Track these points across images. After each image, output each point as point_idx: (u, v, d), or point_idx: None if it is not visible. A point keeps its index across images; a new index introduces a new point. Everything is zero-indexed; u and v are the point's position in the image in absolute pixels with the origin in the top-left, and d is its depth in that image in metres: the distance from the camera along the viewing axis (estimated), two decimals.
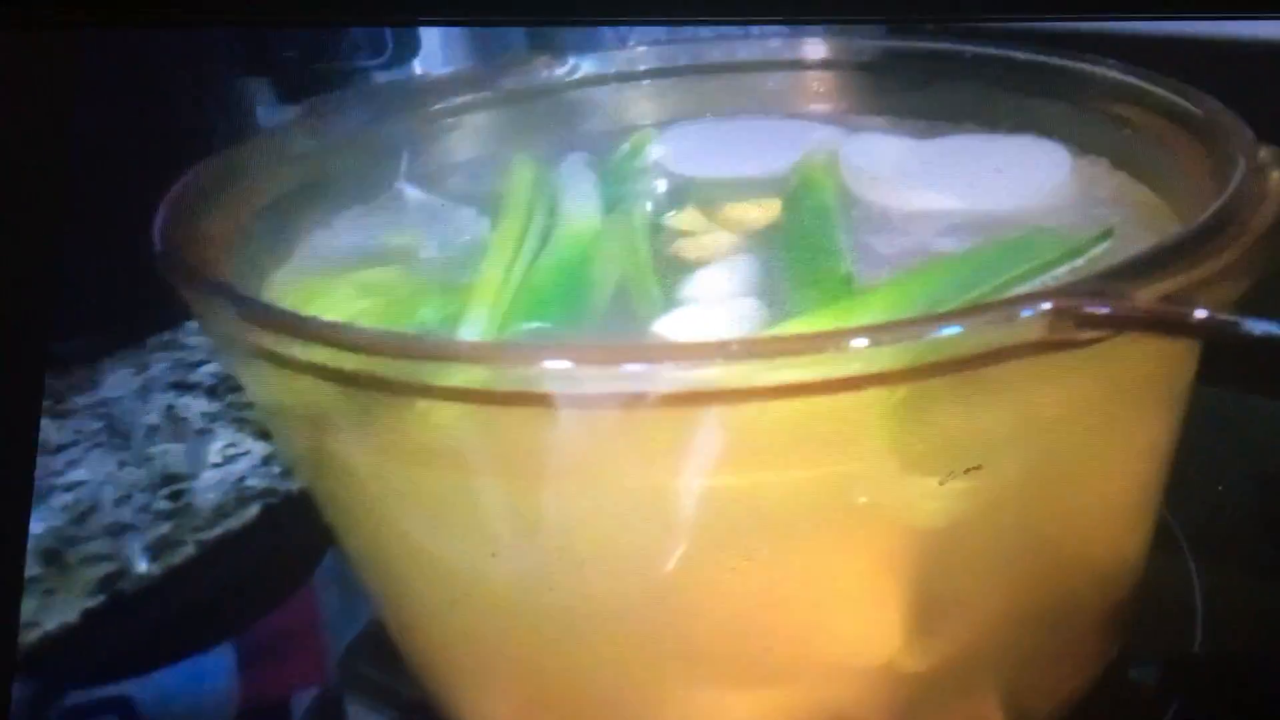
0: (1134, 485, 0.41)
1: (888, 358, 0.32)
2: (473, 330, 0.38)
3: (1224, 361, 0.38)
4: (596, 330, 0.40)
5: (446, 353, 0.33)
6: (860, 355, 0.31)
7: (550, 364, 0.31)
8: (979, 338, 0.32)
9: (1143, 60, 0.48)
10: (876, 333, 0.32)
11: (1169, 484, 0.43)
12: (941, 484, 0.35)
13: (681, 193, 0.49)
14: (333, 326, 0.33)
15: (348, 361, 0.32)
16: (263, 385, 0.39)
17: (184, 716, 0.50)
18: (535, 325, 0.39)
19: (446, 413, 0.34)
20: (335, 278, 0.42)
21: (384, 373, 0.32)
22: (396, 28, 0.67)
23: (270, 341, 0.33)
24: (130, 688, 0.49)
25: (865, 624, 0.37)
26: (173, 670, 0.51)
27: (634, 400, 0.32)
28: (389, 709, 0.49)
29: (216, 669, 0.52)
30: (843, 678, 0.38)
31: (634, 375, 0.32)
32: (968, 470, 0.35)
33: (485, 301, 0.40)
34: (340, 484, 0.39)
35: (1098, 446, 0.38)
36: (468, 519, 0.37)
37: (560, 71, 0.54)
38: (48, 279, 0.40)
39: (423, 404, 0.34)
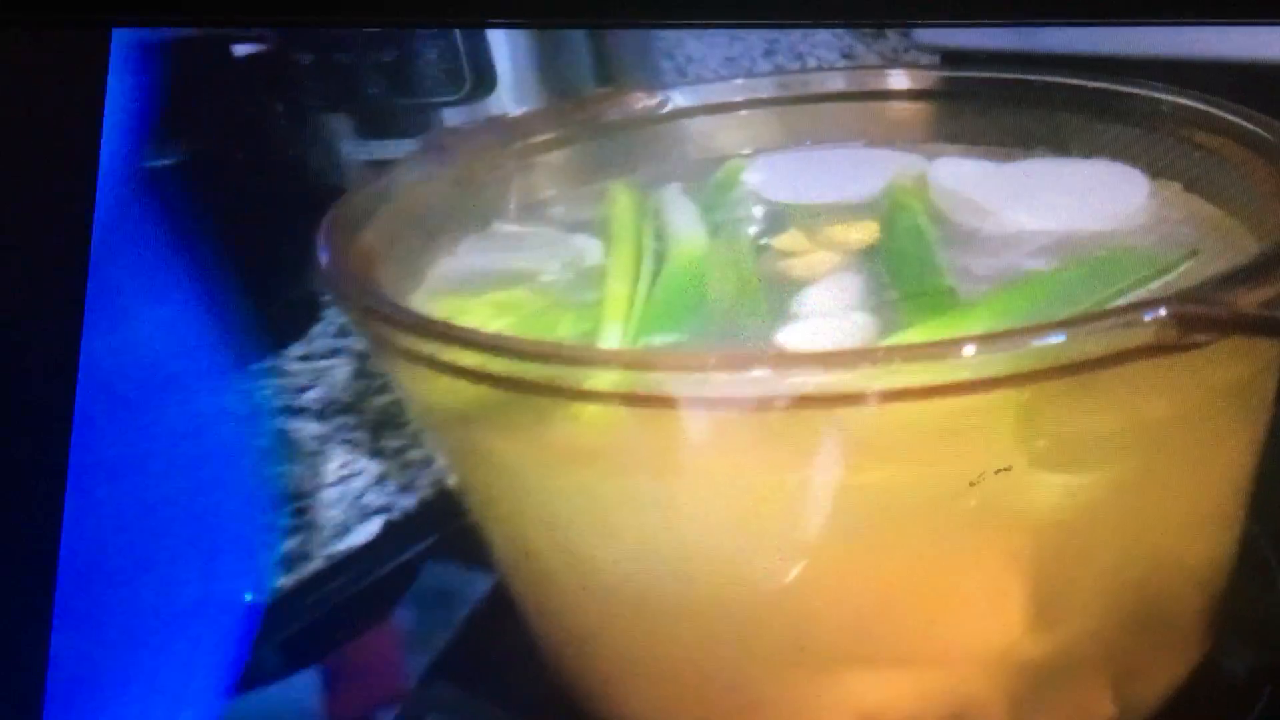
0: (1229, 485, 0.44)
1: (1017, 361, 0.34)
2: (610, 342, 0.41)
3: None
4: (720, 343, 0.42)
5: (600, 359, 0.37)
6: (994, 360, 0.34)
7: (715, 370, 0.34)
8: (1102, 341, 0.34)
9: (1188, 84, 0.50)
10: (1010, 338, 0.34)
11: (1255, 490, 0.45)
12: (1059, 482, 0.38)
13: (777, 218, 0.51)
14: (498, 336, 0.37)
15: (516, 368, 0.35)
16: (422, 389, 0.42)
17: None
18: (665, 338, 0.41)
19: (593, 414, 0.37)
20: (471, 298, 0.45)
21: (550, 378, 0.35)
22: (467, 41, 0.69)
23: (437, 350, 0.37)
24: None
25: (987, 613, 0.40)
26: (262, 689, 0.53)
27: (777, 403, 0.35)
28: None
29: (302, 688, 0.54)
30: (963, 665, 0.41)
31: (783, 380, 0.34)
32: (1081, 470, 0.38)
33: (618, 316, 0.42)
34: (491, 479, 0.43)
35: (1199, 447, 0.41)
36: (609, 514, 0.39)
37: (651, 104, 0.57)
38: (75, 289, 0.42)
39: (575, 407, 0.36)
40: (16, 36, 0.43)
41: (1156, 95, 0.51)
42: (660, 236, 0.48)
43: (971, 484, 0.37)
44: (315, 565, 0.55)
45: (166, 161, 0.66)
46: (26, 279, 0.42)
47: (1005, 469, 0.37)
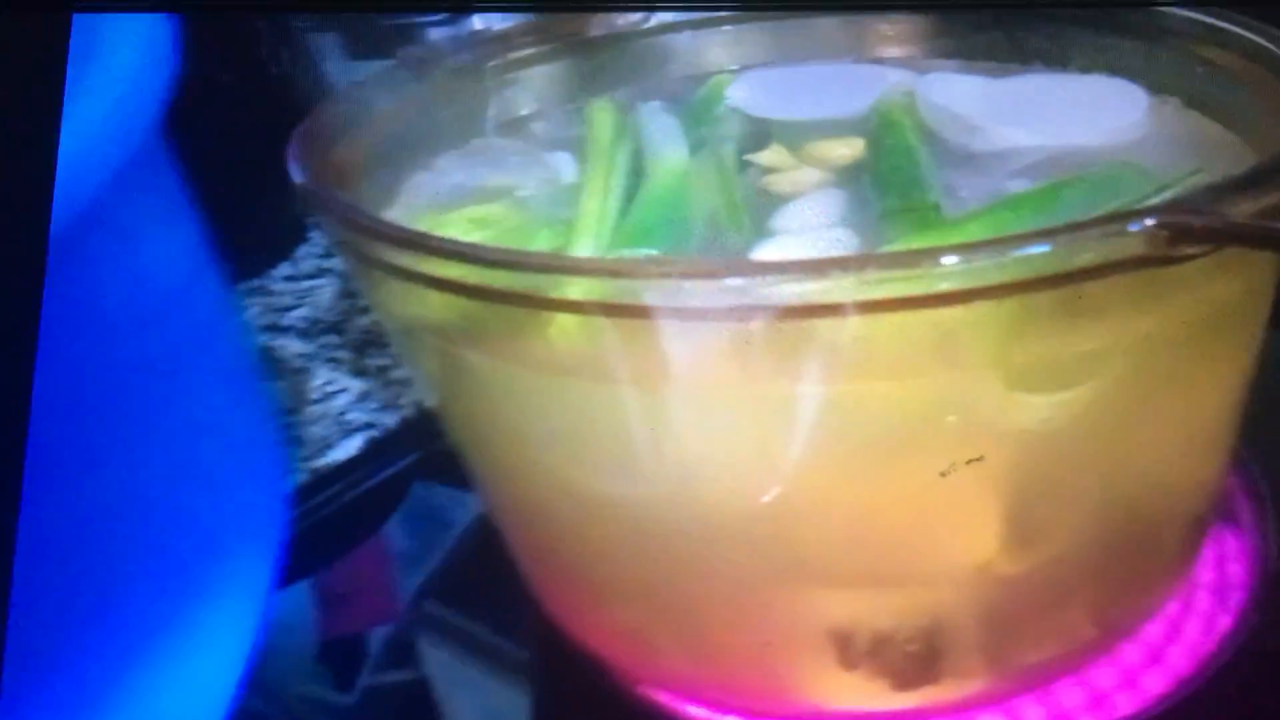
0: (1216, 407, 0.43)
1: (998, 272, 0.33)
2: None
3: None
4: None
5: (571, 267, 0.36)
6: (974, 271, 0.33)
7: (685, 277, 0.33)
8: (1087, 252, 0.33)
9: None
10: (993, 247, 0.33)
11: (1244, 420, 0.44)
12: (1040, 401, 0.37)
13: (762, 134, 0.50)
14: (469, 244, 0.36)
15: (489, 277, 0.34)
16: (398, 303, 0.41)
17: (265, 650, 0.51)
18: (643, 252, 0.40)
19: (568, 325, 0.36)
20: (447, 213, 0.44)
21: (523, 286, 0.34)
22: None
23: (411, 261, 0.36)
24: None
25: (965, 528, 0.39)
26: None
27: (755, 312, 0.34)
28: (460, 647, 0.51)
29: (296, 604, 0.54)
30: (942, 579, 0.40)
31: (758, 289, 0.33)
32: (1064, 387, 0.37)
33: (589, 231, 0.41)
34: (469, 397, 0.42)
35: (1186, 367, 0.40)
36: (586, 429, 0.39)
37: (635, 19, 0.55)
38: (36, 268, 0.41)
39: (549, 317, 0.35)
40: None
41: (1160, 9, 0.50)
42: (641, 153, 0.47)
43: (950, 397, 0.36)
44: (299, 479, 0.55)
45: None
46: None
47: (986, 383, 0.36)
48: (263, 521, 0.47)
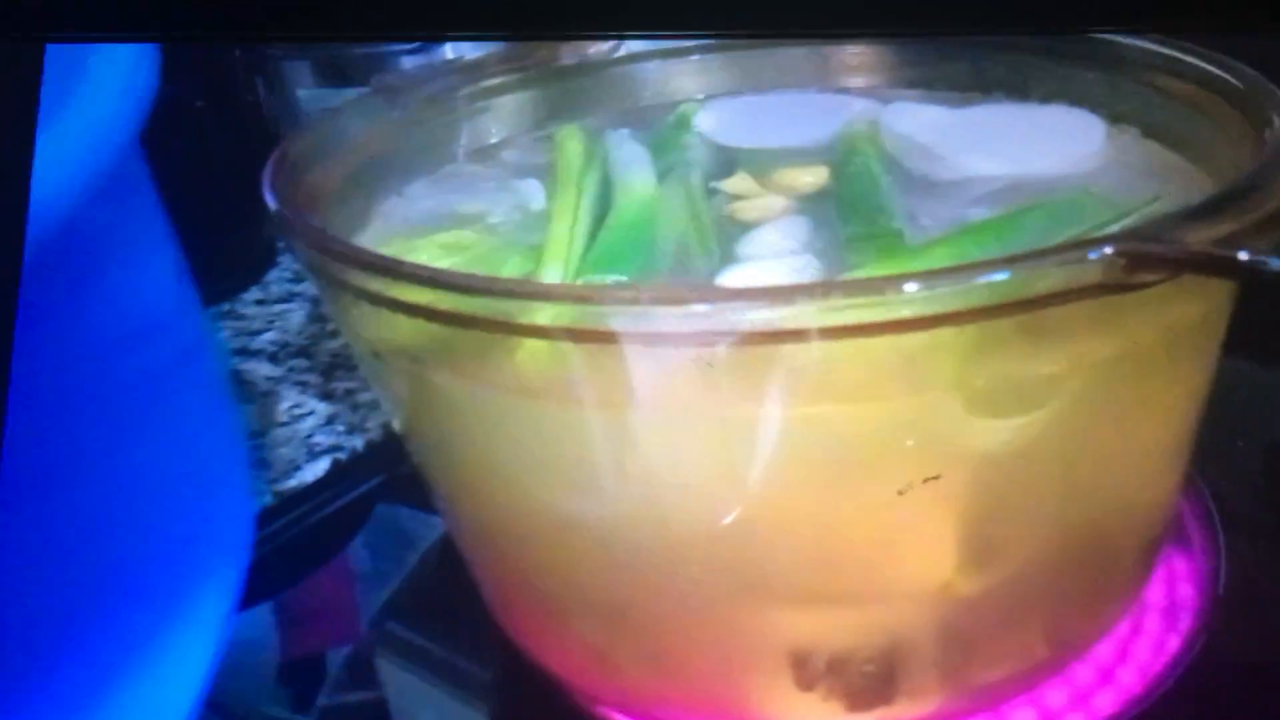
0: (1170, 431, 0.44)
1: (959, 298, 0.34)
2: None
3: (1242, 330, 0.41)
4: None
5: (539, 293, 0.36)
6: (935, 297, 0.34)
7: (651, 303, 0.34)
8: (1047, 279, 0.34)
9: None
10: (954, 274, 0.34)
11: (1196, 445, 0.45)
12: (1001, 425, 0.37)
13: (729, 161, 0.51)
14: (438, 270, 0.36)
15: (457, 302, 0.35)
16: (368, 327, 0.41)
17: (226, 671, 0.51)
18: (611, 278, 0.41)
19: (535, 350, 0.36)
20: (418, 238, 0.44)
21: (490, 311, 0.35)
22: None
23: (383, 286, 0.36)
24: None
25: (924, 550, 0.40)
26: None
27: (721, 337, 0.34)
28: (420, 668, 0.51)
29: (258, 624, 0.54)
30: (901, 599, 0.41)
31: (724, 314, 0.34)
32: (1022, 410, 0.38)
33: (558, 257, 0.42)
34: (436, 419, 0.42)
35: (1143, 390, 0.40)
36: (551, 451, 0.39)
37: (605, 48, 0.56)
38: (9, 292, 0.41)
39: (516, 342, 0.36)
40: None
41: (1121, 40, 0.50)
42: (610, 180, 0.48)
43: (911, 421, 0.36)
44: (265, 501, 0.55)
45: None
46: None
47: (946, 407, 0.36)
48: (227, 542, 0.47)
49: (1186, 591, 0.50)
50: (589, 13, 0.44)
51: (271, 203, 0.41)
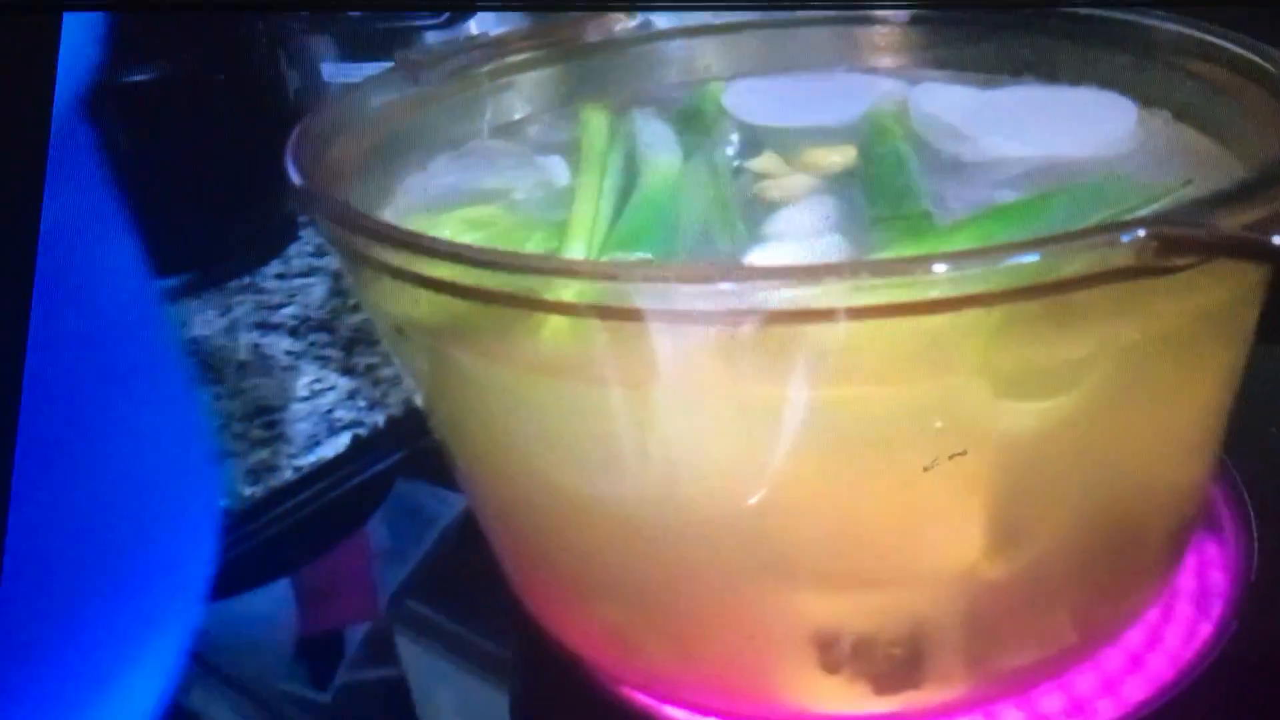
0: (1200, 416, 0.43)
1: (988, 280, 0.33)
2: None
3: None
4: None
5: (563, 269, 0.36)
6: (964, 278, 0.33)
7: (676, 281, 0.33)
8: (1077, 261, 0.33)
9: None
10: (983, 255, 0.33)
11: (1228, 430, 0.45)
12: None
13: (755, 141, 0.50)
14: (462, 246, 0.36)
15: (485, 279, 0.34)
16: (391, 302, 0.41)
17: (245, 647, 0.51)
18: (635, 255, 0.41)
19: (559, 327, 0.36)
20: (442, 213, 0.44)
21: (514, 288, 0.35)
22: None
23: (405, 261, 0.36)
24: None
25: (950, 533, 0.39)
26: (234, 600, 0.53)
27: (746, 317, 0.34)
28: (439, 646, 0.51)
29: (277, 601, 0.54)
30: (926, 583, 0.40)
31: (750, 293, 0.34)
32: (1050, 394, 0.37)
33: (581, 234, 0.42)
34: (458, 396, 0.42)
35: (1171, 375, 0.40)
36: (574, 429, 0.39)
37: (631, 25, 0.56)
38: (23, 269, 0.41)
39: (540, 319, 0.36)
40: None
41: (1150, 22, 0.50)
42: (634, 158, 0.47)
43: (938, 403, 0.36)
44: (285, 476, 0.55)
45: (145, 77, 0.66)
46: None
47: (974, 389, 0.36)
48: (192, 546, 0.47)
49: (1218, 578, 0.49)
50: None
51: (295, 177, 0.41)
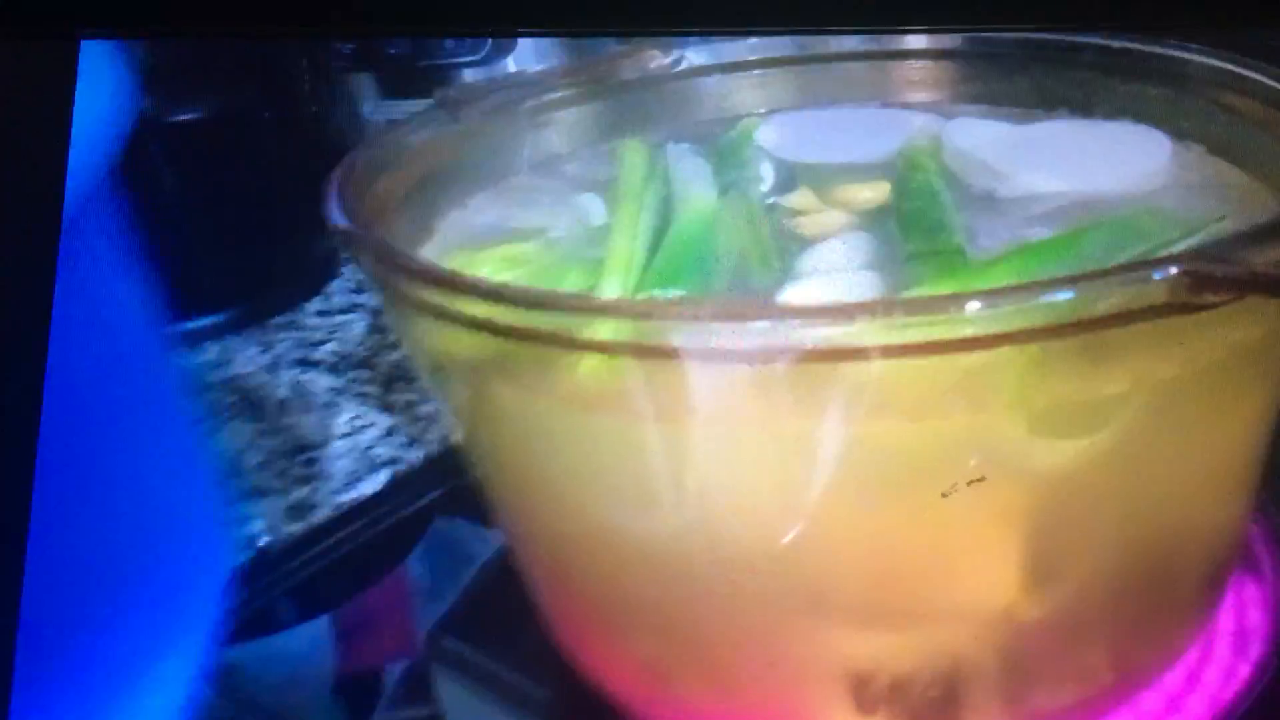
0: (1237, 452, 0.43)
1: (1022, 317, 0.34)
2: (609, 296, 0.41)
3: None
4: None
5: (598, 308, 0.37)
6: (998, 316, 0.33)
7: (712, 320, 0.34)
8: (1111, 298, 0.34)
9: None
10: (1017, 293, 0.33)
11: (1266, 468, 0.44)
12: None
13: (789, 177, 0.51)
14: (501, 285, 0.37)
15: (522, 318, 0.35)
16: (431, 339, 0.42)
17: (284, 685, 0.52)
18: (671, 292, 0.41)
19: (596, 365, 0.37)
20: (481, 251, 0.45)
21: (551, 326, 0.35)
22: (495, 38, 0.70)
23: (446, 299, 0.37)
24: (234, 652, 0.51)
25: (986, 571, 0.39)
26: (273, 638, 0.53)
27: (781, 354, 0.34)
28: (476, 684, 0.51)
29: (315, 638, 0.54)
30: (962, 622, 0.40)
31: (785, 331, 0.34)
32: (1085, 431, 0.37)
33: (617, 271, 0.42)
34: (497, 432, 0.43)
35: (1207, 411, 0.40)
36: (611, 466, 0.39)
37: (667, 62, 0.56)
38: (44, 291, 0.42)
39: (578, 357, 0.36)
40: None
41: (1185, 56, 0.50)
42: (670, 195, 0.48)
43: (974, 439, 0.36)
44: (324, 514, 0.56)
45: (190, 116, 0.67)
46: None
47: (1009, 426, 0.36)
48: (200, 594, 0.47)
49: (1257, 618, 0.49)
50: (644, 9, 0.44)
51: (336, 215, 0.42)
